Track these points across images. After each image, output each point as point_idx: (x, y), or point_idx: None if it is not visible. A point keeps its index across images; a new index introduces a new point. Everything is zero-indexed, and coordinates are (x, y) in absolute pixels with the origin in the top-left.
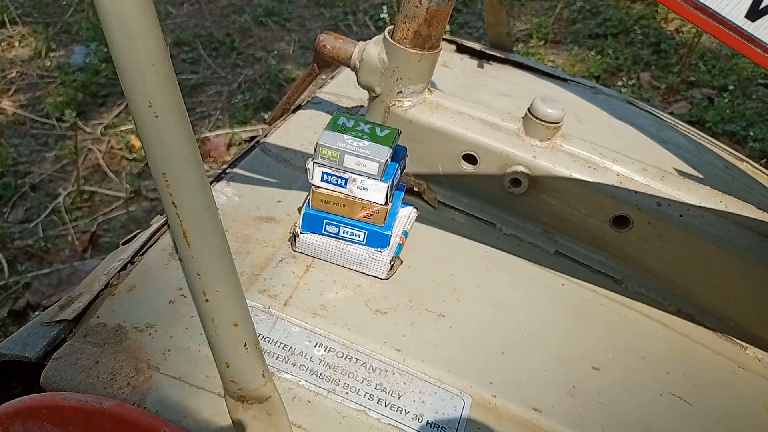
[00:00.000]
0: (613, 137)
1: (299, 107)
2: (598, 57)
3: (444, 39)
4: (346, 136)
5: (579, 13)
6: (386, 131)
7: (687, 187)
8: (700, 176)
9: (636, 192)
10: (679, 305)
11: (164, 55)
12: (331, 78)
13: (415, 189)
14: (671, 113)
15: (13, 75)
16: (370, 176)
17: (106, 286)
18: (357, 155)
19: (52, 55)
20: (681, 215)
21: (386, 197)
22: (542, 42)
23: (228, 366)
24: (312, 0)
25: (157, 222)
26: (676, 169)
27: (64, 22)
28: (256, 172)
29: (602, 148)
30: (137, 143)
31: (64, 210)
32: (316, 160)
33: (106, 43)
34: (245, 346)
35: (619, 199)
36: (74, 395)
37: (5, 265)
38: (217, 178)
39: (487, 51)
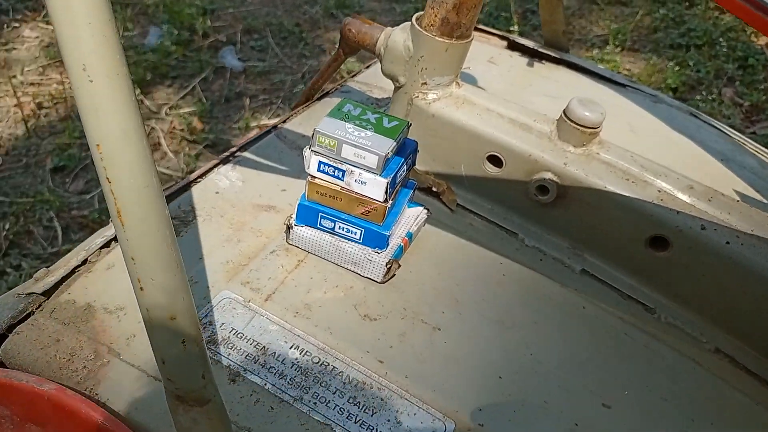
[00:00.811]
0: (667, 150)
1: (326, 94)
2: (678, 68)
3: (495, 34)
4: (347, 125)
5: (661, 21)
6: (394, 123)
7: (739, 212)
8: (766, 202)
9: (678, 212)
10: (718, 344)
11: (105, 14)
12: (366, 67)
13: (434, 189)
14: (753, 133)
15: None
16: (368, 170)
17: (84, 262)
18: (356, 146)
19: (127, 35)
20: (728, 242)
21: (386, 194)
22: (619, 49)
23: (164, 363)
24: None
25: None
26: (737, 191)
27: (143, 4)
28: (266, 158)
29: (645, 159)
30: (198, 125)
31: None
32: (313, 148)
33: (178, 25)
34: (183, 342)
35: (657, 218)
36: (15, 374)
37: (60, 232)
38: (224, 161)
39: (540, 49)
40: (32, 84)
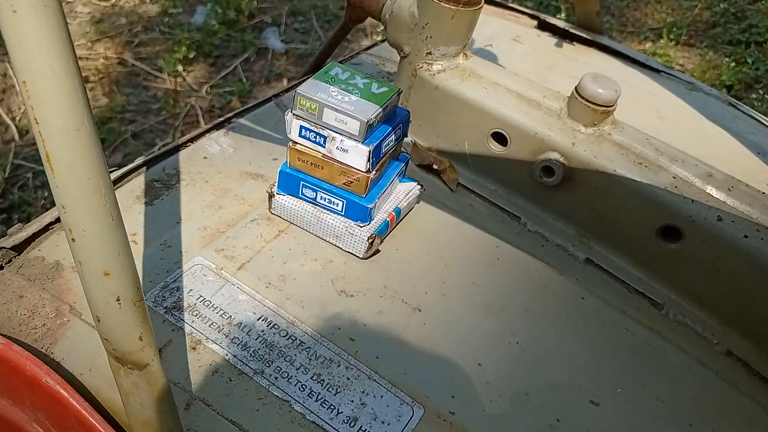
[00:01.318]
0: (697, 140)
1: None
2: (734, 65)
3: (525, 13)
4: (331, 88)
5: (722, 15)
6: (384, 89)
7: (762, 203)
8: None
9: (693, 201)
10: (731, 346)
11: None
12: (382, 40)
13: (435, 166)
14: None
15: (139, 29)
16: (350, 136)
17: (58, 219)
18: (337, 110)
19: (175, 12)
20: (746, 236)
21: (368, 163)
22: (673, 43)
23: (99, 320)
24: None
25: (139, 160)
26: None
27: None
28: (262, 125)
29: (661, 143)
30: (237, 105)
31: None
32: (294, 111)
33: (224, 5)
34: (118, 300)
35: (670, 207)
36: None
37: None
38: (217, 126)
39: (571, 30)
40: (80, 58)
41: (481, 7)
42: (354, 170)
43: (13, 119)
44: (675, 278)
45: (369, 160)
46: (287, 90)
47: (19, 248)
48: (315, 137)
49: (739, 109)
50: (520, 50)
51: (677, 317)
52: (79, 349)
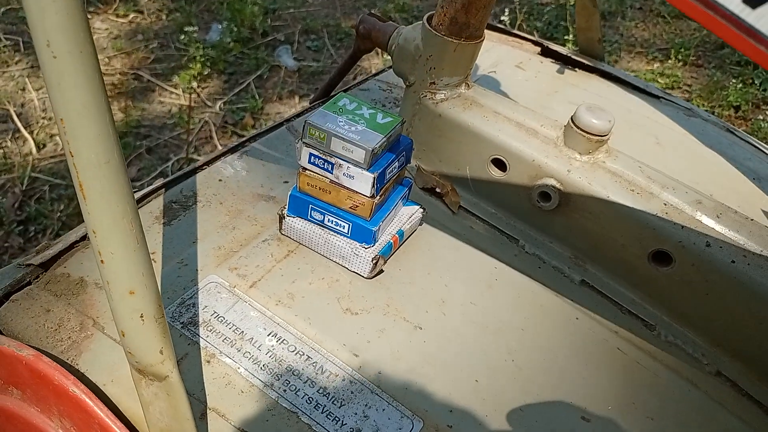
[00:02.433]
0: (694, 165)
1: (346, 91)
2: (742, 86)
3: (529, 39)
4: (339, 118)
5: None
6: (388, 119)
7: (748, 230)
8: None
9: (683, 227)
10: (720, 366)
11: None
12: (389, 67)
13: (438, 190)
14: None
15: (155, 45)
16: (356, 164)
17: (83, 238)
18: (344, 139)
19: (190, 30)
20: (733, 261)
21: (373, 188)
22: (681, 63)
23: (124, 335)
24: None
25: (159, 183)
26: (765, 212)
27: (208, 1)
28: (274, 149)
29: (653, 170)
30: (250, 121)
31: (170, 174)
32: (304, 140)
33: (239, 23)
34: (141, 317)
35: (661, 232)
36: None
37: None
38: (232, 150)
39: (573, 57)
40: None
41: (482, 40)
42: (360, 195)
43: (31, 133)
44: (666, 300)
45: (374, 186)
46: (298, 115)
47: (46, 265)
48: (323, 164)
49: (736, 135)
50: (523, 76)
51: (668, 338)
52: (101, 361)
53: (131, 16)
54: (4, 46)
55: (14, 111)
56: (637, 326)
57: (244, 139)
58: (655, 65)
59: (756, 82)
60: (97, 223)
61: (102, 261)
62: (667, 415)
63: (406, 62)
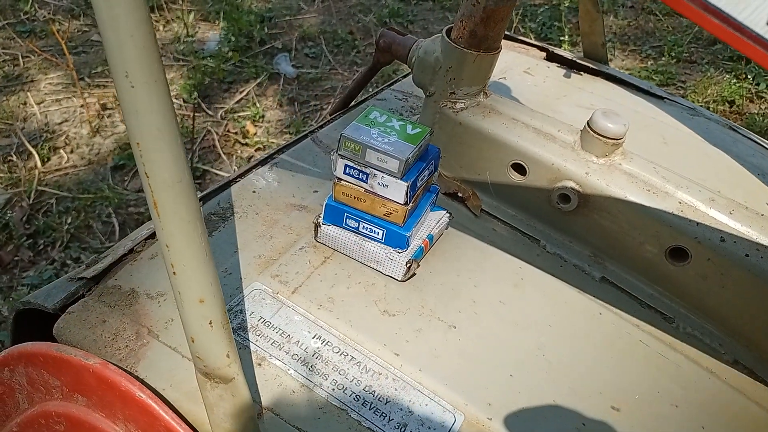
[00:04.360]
0: (700, 163)
1: (363, 101)
2: (735, 81)
3: (534, 45)
4: (372, 131)
5: None
6: (417, 130)
7: (760, 225)
8: None
9: (698, 223)
10: (737, 355)
11: (145, 26)
12: (403, 76)
13: (460, 194)
14: None
15: None
16: (390, 173)
17: (130, 251)
18: (379, 151)
19: (189, 40)
20: (747, 255)
21: (406, 197)
22: (675, 60)
23: (193, 341)
24: (438, 3)
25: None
26: None
27: (205, 11)
28: (301, 160)
29: (667, 170)
30: (251, 129)
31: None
32: (339, 152)
33: (235, 32)
34: (210, 323)
35: (677, 229)
36: (66, 348)
37: (117, 228)
38: (262, 162)
39: (578, 60)
40: (98, 86)
41: (499, 51)
42: (393, 203)
43: (35, 147)
44: (684, 294)
45: (407, 194)
46: (321, 127)
47: (98, 278)
48: (358, 174)
49: (739, 132)
50: (532, 81)
51: (687, 330)
52: (159, 367)
53: None
54: (3, 61)
55: (18, 126)
56: (657, 319)
57: (272, 151)
58: (649, 63)
59: (749, 76)
60: (170, 237)
61: (174, 273)
62: (691, 403)
63: (427, 74)
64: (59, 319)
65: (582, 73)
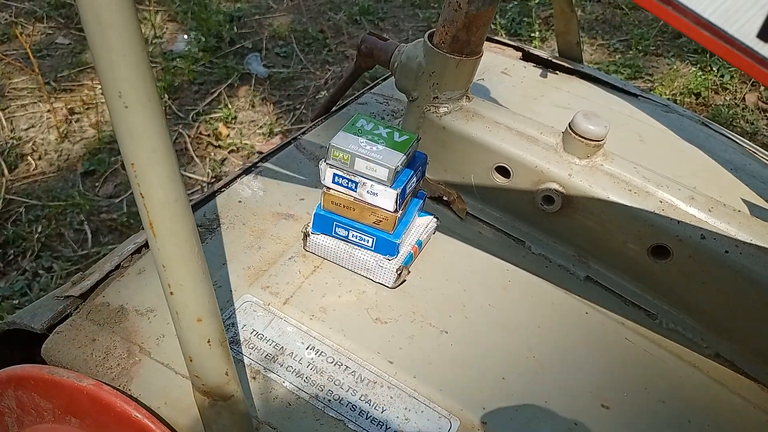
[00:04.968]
0: (676, 160)
1: (344, 106)
2: (701, 73)
3: (510, 45)
4: (360, 139)
5: None
6: (404, 137)
7: (738, 222)
8: None
9: (679, 222)
10: (718, 349)
11: (138, 46)
12: (383, 79)
13: (445, 198)
14: None
15: None
16: (379, 181)
17: (117, 267)
18: (368, 159)
19: (157, 41)
20: (727, 251)
21: (396, 204)
22: (642, 54)
23: (191, 360)
24: (408, 0)
25: None
26: (744, 200)
27: (173, 11)
28: (285, 168)
29: (648, 170)
30: (224, 131)
31: None
32: (327, 161)
33: (204, 32)
34: (209, 342)
35: (659, 228)
36: (58, 370)
37: (89, 235)
38: (246, 171)
39: (553, 60)
40: (64, 90)
41: (481, 55)
42: (383, 211)
43: (1, 154)
44: (666, 291)
45: (396, 202)
46: (303, 133)
47: (85, 296)
48: (347, 183)
49: (710, 128)
50: (510, 82)
51: (669, 325)
52: (153, 385)
53: None
54: None
55: None
56: (641, 316)
57: (256, 160)
58: (617, 56)
59: (714, 68)
60: (168, 258)
61: (171, 293)
62: (676, 398)
63: (410, 79)
64: (47, 339)
65: (558, 72)
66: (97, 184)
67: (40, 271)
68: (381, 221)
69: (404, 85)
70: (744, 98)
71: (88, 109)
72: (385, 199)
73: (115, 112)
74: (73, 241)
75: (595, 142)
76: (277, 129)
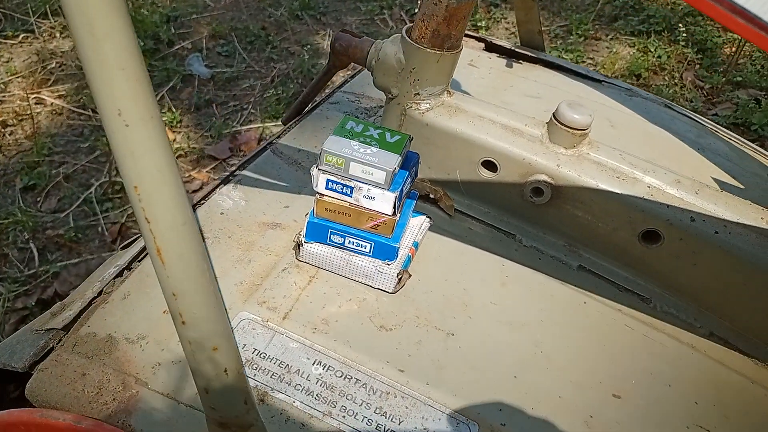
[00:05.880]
0: (646, 143)
1: (316, 107)
2: (640, 55)
3: (472, 36)
4: (353, 142)
5: (621, 9)
6: (397, 137)
7: (724, 202)
8: (741, 187)
9: (668, 206)
10: (711, 328)
11: (136, 58)
12: (351, 77)
13: (431, 196)
14: (715, 115)
15: (53, 66)
16: (376, 185)
17: (100, 293)
18: (363, 163)
19: None
20: (716, 232)
21: (394, 208)
22: (582, 39)
23: (207, 392)
24: None
25: None
26: (714, 179)
27: None
28: (265, 174)
29: (633, 157)
30: (170, 135)
31: (95, 201)
32: (320, 167)
33: (142, 34)
34: (225, 371)
35: (649, 213)
36: (52, 413)
37: (36, 253)
38: (225, 181)
39: (517, 50)
40: None
41: (461, 50)
42: (381, 215)
43: None
44: (658, 274)
45: (395, 205)
46: (278, 137)
47: (68, 327)
48: (342, 188)
49: (674, 110)
50: (477, 74)
51: (663, 308)
52: (154, 418)
53: (21, 36)
54: None
55: None
56: (635, 301)
57: (233, 168)
58: (558, 42)
59: (651, 49)
60: (178, 285)
61: (183, 322)
62: (681, 381)
63: (389, 76)
64: (31, 378)
65: (521, 61)
66: (38, 199)
67: None
68: (379, 225)
69: (383, 82)
70: (682, 77)
71: (21, 120)
72: (383, 202)
73: (114, 132)
74: (18, 261)
75: (580, 131)
76: (225, 131)
